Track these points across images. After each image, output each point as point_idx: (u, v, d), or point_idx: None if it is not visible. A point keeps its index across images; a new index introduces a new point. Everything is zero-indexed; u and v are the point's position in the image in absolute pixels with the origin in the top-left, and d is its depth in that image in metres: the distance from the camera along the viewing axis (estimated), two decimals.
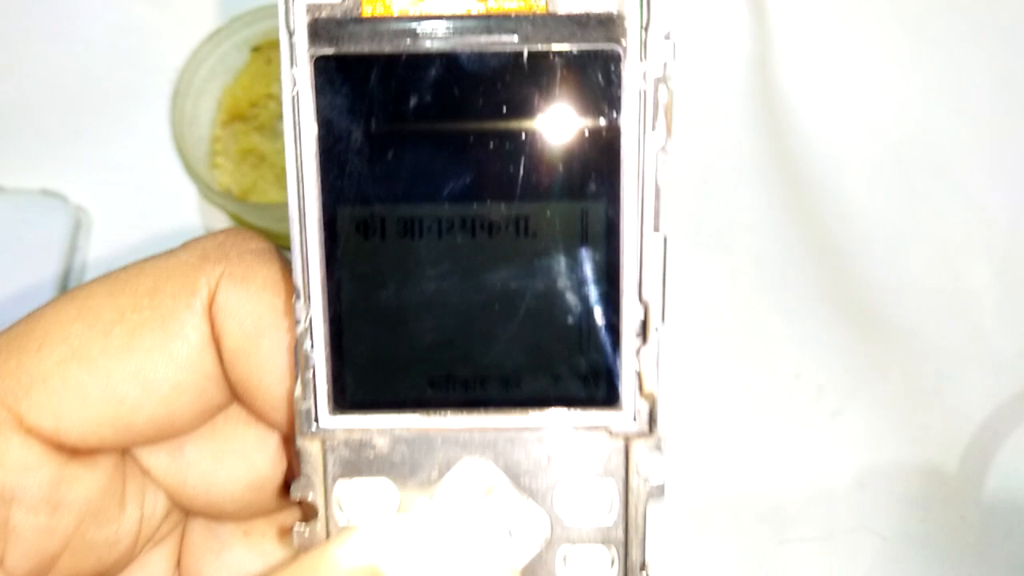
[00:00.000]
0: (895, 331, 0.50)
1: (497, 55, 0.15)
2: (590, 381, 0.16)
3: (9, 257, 0.50)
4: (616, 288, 0.16)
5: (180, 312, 0.17)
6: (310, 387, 0.16)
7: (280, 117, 0.52)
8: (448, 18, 0.14)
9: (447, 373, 0.16)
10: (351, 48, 0.15)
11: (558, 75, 0.15)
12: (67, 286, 0.50)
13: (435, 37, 0.15)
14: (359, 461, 0.16)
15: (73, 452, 0.17)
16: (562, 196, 0.15)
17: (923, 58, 0.53)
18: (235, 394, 0.18)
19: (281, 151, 0.51)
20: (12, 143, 0.54)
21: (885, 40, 0.54)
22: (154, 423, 0.17)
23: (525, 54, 0.15)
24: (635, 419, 0.16)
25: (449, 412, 0.16)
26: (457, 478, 0.16)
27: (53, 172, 0.52)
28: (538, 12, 0.15)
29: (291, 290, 0.16)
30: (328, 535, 0.16)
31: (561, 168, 0.15)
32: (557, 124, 0.15)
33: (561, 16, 0.15)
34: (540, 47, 0.15)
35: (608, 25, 0.15)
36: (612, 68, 0.15)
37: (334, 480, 0.16)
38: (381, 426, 0.16)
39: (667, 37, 0.15)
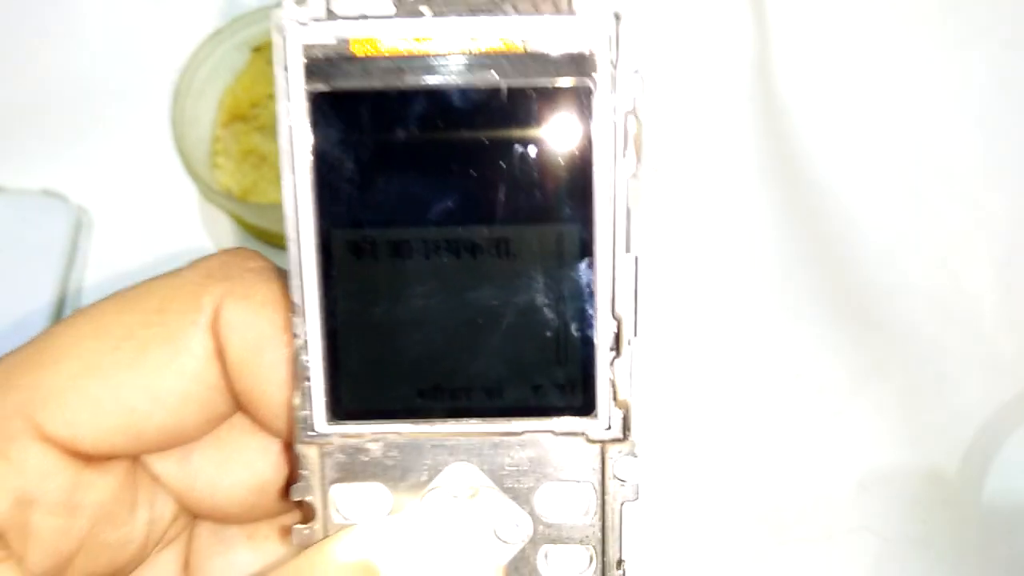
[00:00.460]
0: (896, 332, 0.50)
1: (479, 91, 0.16)
2: (567, 391, 0.18)
3: (10, 257, 0.50)
4: (591, 304, 0.17)
5: (186, 328, 0.18)
6: (308, 397, 0.17)
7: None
8: (433, 56, 0.16)
9: (435, 384, 0.17)
10: (343, 84, 0.16)
11: (535, 109, 0.17)
12: (67, 286, 0.50)
13: (421, 74, 0.16)
14: (354, 466, 0.18)
15: (88, 459, 0.18)
16: (540, 220, 0.17)
17: (924, 60, 0.53)
18: (239, 404, 0.19)
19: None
20: (13, 143, 0.54)
21: (885, 41, 0.54)
22: (163, 432, 0.18)
23: (505, 90, 0.16)
24: (610, 426, 0.17)
25: (437, 420, 0.17)
26: (445, 482, 0.18)
27: (54, 172, 0.52)
28: (516, 51, 0.16)
29: (290, 306, 0.18)
30: (326, 534, 0.18)
31: (539, 194, 0.17)
32: (535, 154, 0.17)
33: (538, 54, 0.16)
34: (518, 83, 0.16)
35: (580, 63, 0.16)
36: (584, 102, 0.16)
37: (331, 483, 0.18)
38: (374, 433, 0.17)
39: (636, 72, 0.16)
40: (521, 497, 0.18)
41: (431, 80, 0.16)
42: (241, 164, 0.50)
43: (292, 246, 0.17)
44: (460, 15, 0.16)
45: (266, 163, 0.50)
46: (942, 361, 0.49)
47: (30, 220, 0.51)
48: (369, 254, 0.17)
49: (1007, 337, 0.49)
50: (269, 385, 0.18)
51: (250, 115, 0.50)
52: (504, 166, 0.17)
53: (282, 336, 0.18)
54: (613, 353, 0.17)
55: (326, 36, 0.16)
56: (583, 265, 0.17)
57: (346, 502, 0.18)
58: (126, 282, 0.56)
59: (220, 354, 0.18)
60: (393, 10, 0.16)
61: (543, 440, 0.18)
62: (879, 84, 0.53)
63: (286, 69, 0.17)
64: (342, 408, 0.18)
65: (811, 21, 0.54)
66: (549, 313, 0.17)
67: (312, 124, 0.17)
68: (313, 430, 0.17)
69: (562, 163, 0.17)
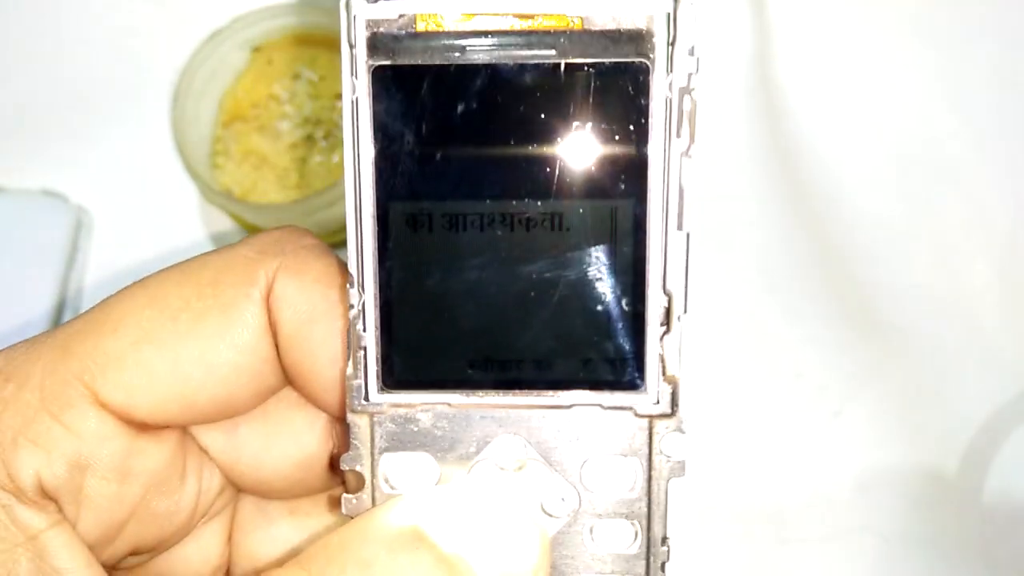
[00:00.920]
0: (896, 331, 0.50)
1: (536, 67, 0.17)
2: (617, 365, 0.18)
3: (10, 257, 0.50)
4: (642, 280, 0.18)
5: (240, 301, 0.18)
6: (361, 367, 0.18)
7: (281, 118, 0.52)
8: (493, 34, 0.16)
9: (486, 356, 0.18)
10: (406, 59, 0.16)
11: (592, 86, 0.17)
12: (68, 286, 0.50)
13: (481, 51, 0.17)
14: (403, 436, 0.18)
15: (141, 427, 0.19)
16: (593, 195, 0.17)
17: (924, 58, 0.53)
18: (288, 378, 0.20)
19: (280, 152, 0.51)
20: (13, 143, 0.54)
21: (886, 39, 0.54)
22: (215, 402, 0.19)
23: (562, 67, 0.17)
24: (658, 401, 0.18)
25: (486, 392, 0.18)
26: (492, 454, 0.18)
27: (54, 172, 0.53)
28: (574, 29, 0.17)
29: (341, 282, 0.18)
30: (374, 503, 0.18)
31: (593, 170, 0.17)
32: (590, 130, 0.17)
33: (595, 32, 0.16)
34: (575, 60, 0.17)
35: (638, 41, 0.17)
36: (641, 79, 0.17)
37: (380, 453, 0.18)
38: (424, 403, 0.18)
39: (691, 52, 0.17)
40: (568, 471, 0.18)
41: (491, 56, 0.16)
42: (241, 164, 0.50)
43: (351, 218, 0.17)
44: None
45: (266, 163, 0.50)
46: (942, 361, 0.49)
47: (30, 220, 0.51)
48: (425, 227, 0.17)
49: (1007, 337, 0.49)
50: (319, 358, 0.19)
51: (250, 115, 0.51)
52: (559, 142, 0.17)
53: (334, 310, 0.18)
54: (663, 328, 0.18)
55: (390, 13, 0.16)
56: (635, 241, 0.17)
57: (394, 472, 0.18)
58: (126, 282, 0.56)
59: (272, 327, 0.19)
60: None
61: (591, 414, 0.18)
62: (879, 83, 0.53)
63: (352, 45, 0.16)
64: (394, 378, 0.18)
65: (811, 19, 0.54)
66: (600, 288, 0.17)
67: (374, 98, 0.17)
68: (365, 399, 0.18)
69: (617, 140, 0.17)
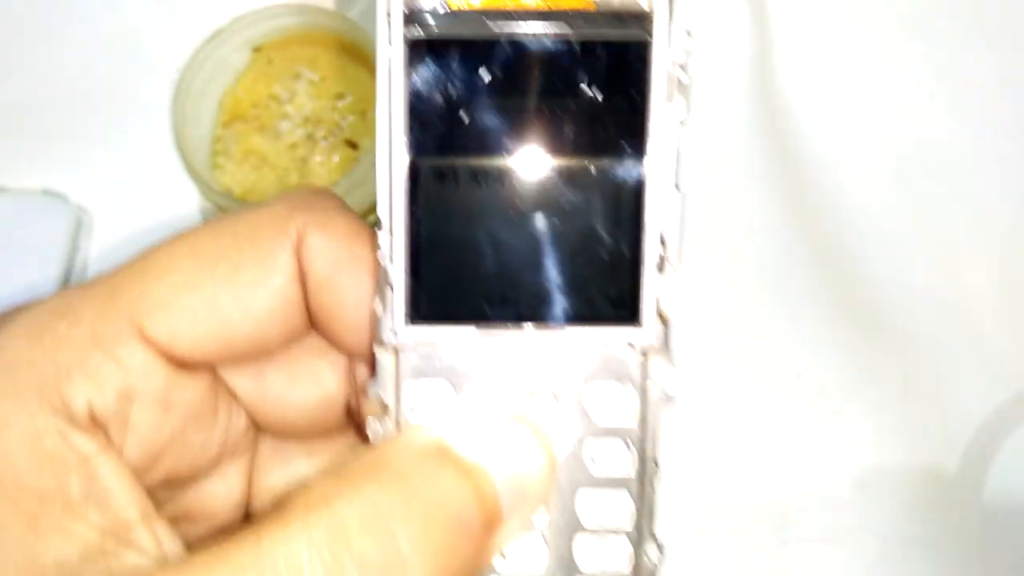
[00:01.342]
0: (896, 331, 0.50)
1: (553, 41, 0.19)
2: (617, 303, 0.20)
3: (10, 257, 0.50)
4: (640, 230, 0.20)
5: (274, 251, 0.21)
6: (388, 303, 0.20)
7: (281, 118, 0.52)
8: (516, 11, 0.19)
9: (501, 294, 0.20)
10: (437, 32, 0.19)
11: (601, 58, 0.19)
12: (68, 286, 0.50)
13: (505, 26, 0.19)
14: (424, 365, 0.20)
15: (181, 364, 0.20)
16: (601, 154, 0.20)
17: (925, 59, 0.53)
18: (315, 322, 0.22)
19: (280, 152, 0.51)
20: (13, 143, 0.54)
21: (887, 41, 0.54)
22: (248, 342, 0.21)
23: (576, 41, 0.19)
24: (652, 336, 0.20)
25: (501, 326, 0.20)
26: (505, 382, 0.20)
27: (54, 172, 0.52)
28: (588, 8, 0.19)
29: (363, 237, 0.21)
30: (397, 427, 0.20)
31: (601, 132, 0.20)
32: (599, 96, 0.20)
33: (605, 12, 0.19)
34: (588, 36, 0.19)
35: (642, 20, 0.19)
36: (643, 54, 0.19)
37: (403, 381, 0.20)
38: (444, 337, 0.20)
39: (687, 32, 0.19)
40: (572, 397, 0.20)
41: (513, 31, 0.19)
42: (241, 164, 0.50)
43: (383, 172, 0.19)
44: None
45: (267, 163, 0.50)
46: (942, 361, 0.49)
47: (30, 220, 0.51)
48: (449, 180, 0.20)
49: (1007, 337, 0.49)
50: (345, 303, 0.21)
51: (251, 115, 0.50)
52: (572, 107, 0.19)
53: (358, 261, 0.20)
54: (658, 272, 0.20)
55: None
56: (636, 195, 0.20)
57: (416, 398, 0.20)
58: None
59: (302, 276, 0.21)
60: None
61: (595, 347, 0.20)
62: (879, 83, 0.53)
63: (389, 15, 0.19)
64: (418, 312, 0.20)
65: (811, 20, 0.54)
66: (604, 236, 0.20)
67: (407, 66, 0.19)
68: (391, 332, 0.20)
69: (622, 106, 0.19)
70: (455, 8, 0.19)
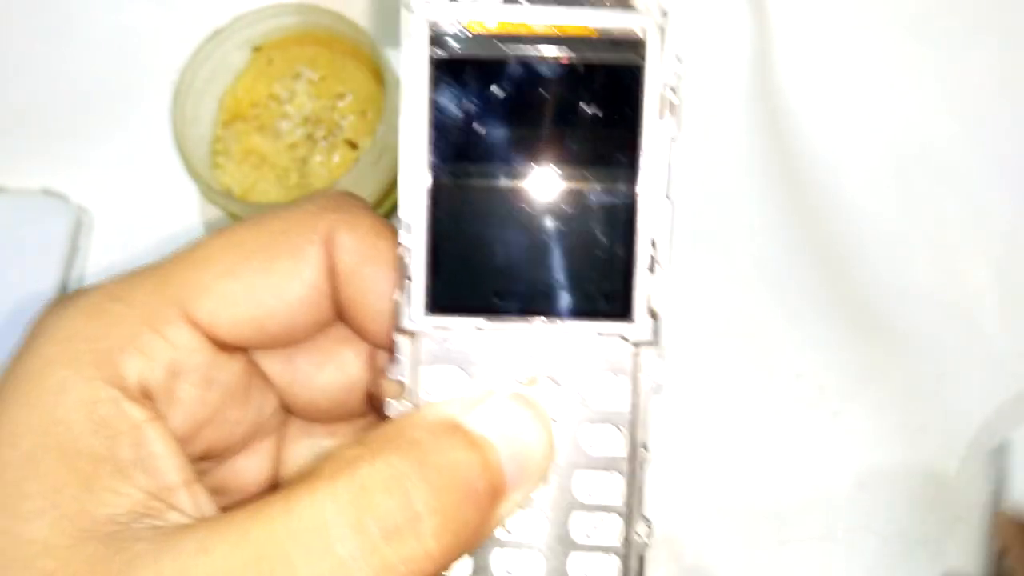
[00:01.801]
0: (896, 331, 0.50)
1: (559, 63, 0.21)
2: (612, 299, 0.22)
3: (10, 257, 0.50)
4: (634, 235, 0.22)
5: (306, 245, 0.23)
6: (408, 294, 0.22)
7: (281, 117, 0.52)
8: (526, 36, 0.21)
9: (509, 289, 0.22)
10: (457, 53, 0.21)
11: (600, 80, 0.22)
12: (68, 286, 0.50)
13: (517, 49, 0.21)
14: (440, 352, 0.22)
15: (222, 346, 0.23)
16: (599, 165, 0.22)
17: (924, 59, 0.53)
18: (342, 312, 0.24)
19: (280, 152, 0.51)
20: (13, 143, 0.54)
21: (886, 41, 0.54)
22: (281, 328, 0.23)
23: (578, 64, 0.22)
24: (644, 330, 0.22)
25: (508, 318, 0.22)
26: (511, 368, 0.22)
27: (54, 172, 0.53)
28: (589, 35, 0.21)
29: (386, 235, 0.23)
30: (414, 406, 0.22)
31: (600, 145, 0.22)
32: (598, 114, 0.22)
33: (604, 38, 0.21)
34: (589, 59, 0.22)
35: (636, 46, 0.21)
36: (637, 76, 0.22)
37: (419, 366, 0.22)
38: (458, 326, 0.22)
39: (677, 57, 0.22)
40: (570, 384, 0.22)
41: (524, 53, 0.21)
42: (241, 164, 0.50)
43: (405, 178, 0.22)
44: (549, 5, 0.21)
45: (267, 163, 0.50)
46: (942, 360, 0.49)
47: (30, 220, 0.51)
48: (465, 186, 0.22)
49: (1006, 337, 0.49)
50: (370, 294, 0.23)
51: (251, 115, 0.50)
52: (574, 122, 0.22)
53: (382, 257, 0.23)
54: (649, 272, 0.22)
55: (447, 15, 0.21)
56: (630, 203, 0.22)
57: (431, 381, 0.22)
58: None
59: (331, 269, 0.23)
60: None
61: (591, 339, 0.22)
62: (879, 84, 0.53)
63: (414, 41, 0.21)
64: (435, 303, 0.22)
65: (811, 21, 0.54)
66: (601, 239, 0.22)
67: (430, 82, 0.21)
68: (410, 321, 0.22)
69: (618, 122, 0.22)
70: (474, 32, 0.21)
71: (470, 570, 0.23)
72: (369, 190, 0.49)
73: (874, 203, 0.51)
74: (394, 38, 0.56)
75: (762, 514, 0.46)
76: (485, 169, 0.22)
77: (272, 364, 0.25)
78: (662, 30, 0.21)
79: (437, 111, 0.21)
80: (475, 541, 0.20)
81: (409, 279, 0.22)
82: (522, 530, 0.22)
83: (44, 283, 0.49)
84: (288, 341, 0.24)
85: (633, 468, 0.22)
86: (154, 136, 0.49)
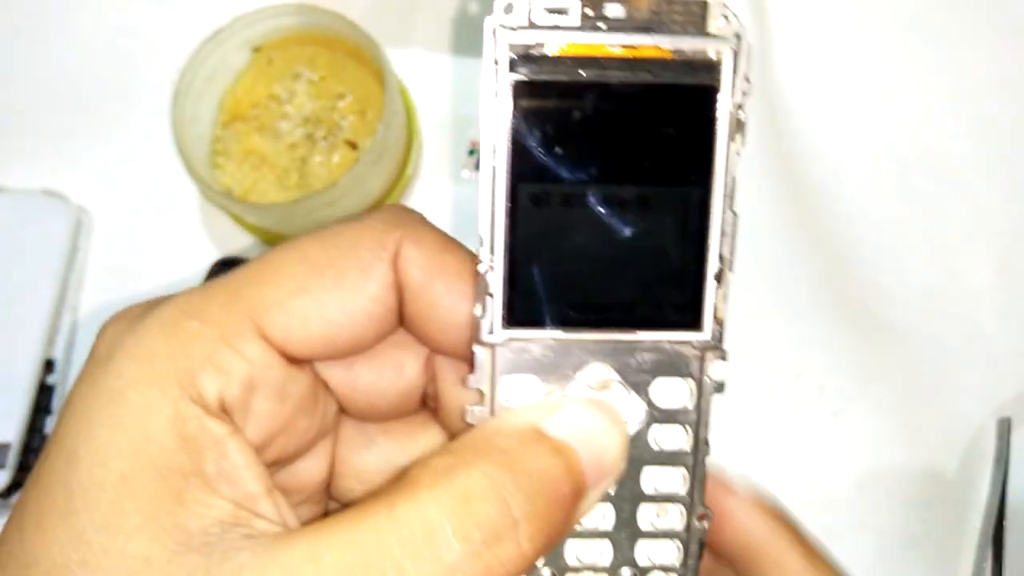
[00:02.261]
0: (896, 332, 0.50)
1: (636, 85, 0.22)
2: (683, 310, 0.23)
3: (10, 257, 0.50)
4: (704, 248, 0.23)
5: (374, 262, 0.23)
6: (488, 309, 0.23)
7: (281, 118, 0.51)
8: (604, 59, 0.22)
9: (584, 301, 0.23)
10: (537, 76, 0.22)
11: (675, 101, 0.22)
12: (67, 286, 0.50)
13: (596, 72, 0.22)
14: (517, 362, 0.23)
15: (293, 360, 0.23)
16: (673, 182, 0.23)
17: (924, 58, 0.53)
18: (409, 323, 0.25)
19: (280, 152, 0.51)
20: (13, 143, 0.54)
21: (887, 41, 0.54)
22: (350, 341, 0.24)
23: (655, 86, 0.22)
24: (711, 337, 0.23)
25: (584, 329, 0.23)
26: (584, 376, 0.23)
27: (54, 172, 0.53)
28: (667, 58, 0.22)
29: (450, 249, 0.24)
30: (492, 414, 0.23)
31: (674, 163, 0.23)
32: (673, 133, 0.23)
33: (682, 61, 0.22)
34: (666, 81, 0.22)
35: (711, 68, 0.22)
36: (712, 98, 0.22)
37: (499, 375, 0.23)
38: (535, 337, 0.23)
39: (747, 79, 0.23)
40: (640, 389, 0.24)
41: (603, 76, 0.22)
42: (241, 164, 0.50)
43: (485, 197, 0.22)
44: (627, 31, 0.22)
45: (266, 163, 0.50)
46: (942, 360, 0.49)
47: (30, 220, 0.51)
48: (544, 203, 0.23)
49: (1006, 336, 0.49)
50: (439, 308, 0.24)
51: (250, 115, 0.50)
52: (651, 141, 0.23)
53: (448, 270, 0.24)
54: (717, 283, 0.23)
55: (527, 39, 0.22)
56: (702, 218, 0.23)
57: (509, 389, 0.23)
58: (126, 282, 0.56)
59: (398, 284, 0.24)
60: (579, 23, 0.22)
61: (661, 347, 0.24)
62: (879, 83, 0.53)
63: (496, 62, 0.22)
64: (513, 317, 0.23)
65: (811, 20, 0.54)
66: (671, 253, 0.23)
67: (512, 103, 0.22)
68: (491, 332, 0.23)
69: (692, 142, 0.23)
70: (553, 56, 0.22)
71: (543, 559, 0.24)
72: (369, 190, 0.49)
73: (874, 203, 0.51)
74: (394, 39, 0.56)
75: None
76: (562, 188, 0.23)
77: (333, 372, 0.25)
78: (735, 53, 0.22)
79: (515, 132, 0.22)
80: (560, 539, 0.22)
81: (490, 295, 0.23)
82: (593, 521, 0.24)
83: (44, 283, 0.49)
84: (353, 352, 0.25)
85: (696, 461, 0.24)
86: (154, 136, 0.49)
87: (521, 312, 0.23)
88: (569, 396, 0.23)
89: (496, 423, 0.22)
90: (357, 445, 0.27)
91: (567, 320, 0.23)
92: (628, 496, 0.24)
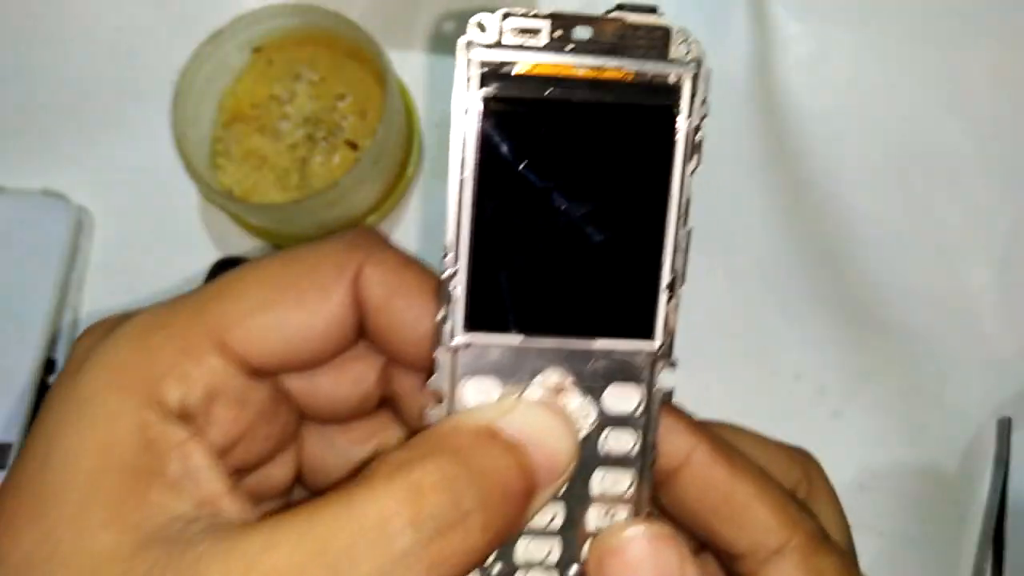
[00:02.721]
0: (896, 332, 0.50)
1: (598, 104, 0.23)
2: (636, 320, 0.24)
3: (10, 257, 0.50)
4: (658, 260, 0.24)
5: (334, 282, 0.25)
6: (450, 314, 0.24)
7: (281, 118, 0.51)
8: (570, 79, 0.23)
9: (542, 308, 0.24)
10: (505, 93, 0.23)
11: (636, 121, 0.24)
12: (68, 286, 0.50)
13: (560, 90, 0.23)
14: (476, 365, 0.24)
15: (253, 372, 0.25)
16: (631, 198, 0.24)
17: (923, 59, 0.53)
18: (373, 337, 0.26)
19: (281, 152, 0.51)
20: (14, 143, 0.54)
21: (887, 41, 0.54)
22: (309, 356, 0.25)
23: (616, 106, 0.23)
24: (660, 346, 0.25)
25: (541, 335, 0.24)
26: (541, 380, 0.24)
27: (55, 172, 0.53)
28: (628, 80, 0.23)
29: (410, 268, 0.25)
30: (451, 412, 0.24)
31: (633, 179, 0.24)
32: (632, 151, 0.24)
33: (641, 84, 0.23)
34: (626, 101, 0.23)
35: (670, 91, 0.23)
36: (670, 119, 0.24)
37: (458, 378, 0.24)
38: (494, 342, 0.24)
39: (704, 101, 0.24)
40: (593, 393, 0.25)
41: (567, 95, 0.23)
42: (242, 165, 0.50)
43: (452, 206, 0.23)
44: (593, 53, 0.23)
45: (267, 164, 0.50)
46: (942, 360, 0.49)
47: (30, 220, 0.51)
48: (508, 214, 0.24)
49: (1006, 336, 0.49)
50: (401, 324, 0.25)
51: (251, 115, 0.50)
52: (611, 159, 0.24)
53: (408, 288, 0.25)
54: (668, 294, 0.24)
55: (497, 58, 0.23)
56: (656, 232, 0.24)
57: (468, 392, 0.24)
58: (126, 282, 0.56)
59: (356, 302, 0.25)
60: (547, 44, 0.23)
61: (614, 354, 0.25)
62: (879, 83, 0.53)
63: (468, 79, 0.23)
64: (474, 321, 0.24)
65: (811, 20, 0.54)
66: (627, 263, 0.24)
67: (480, 118, 0.23)
68: (451, 338, 0.24)
69: (650, 161, 0.24)
70: (519, 73, 0.23)
71: (495, 555, 0.25)
72: (369, 190, 0.49)
73: (874, 203, 0.51)
74: (394, 39, 0.56)
75: None
76: (525, 200, 0.24)
77: (294, 382, 0.27)
78: (694, 78, 0.24)
79: (482, 145, 0.23)
80: (511, 534, 0.23)
81: (451, 299, 0.24)
82: (543, 519, 0.25)
83: (44, 283, 0.49)
84: (312, 366, 0.26)
85: (643, 465, 0.25)
86: (154, 136, 0.49)
87: (482, 317, 0.24)
88: (523, 398, 0.24)
89: (452, 421, 0.23)
90: (318, 444, 0.28)
91: (526, 326, 0.24)
92: (578, 496, 0.25)
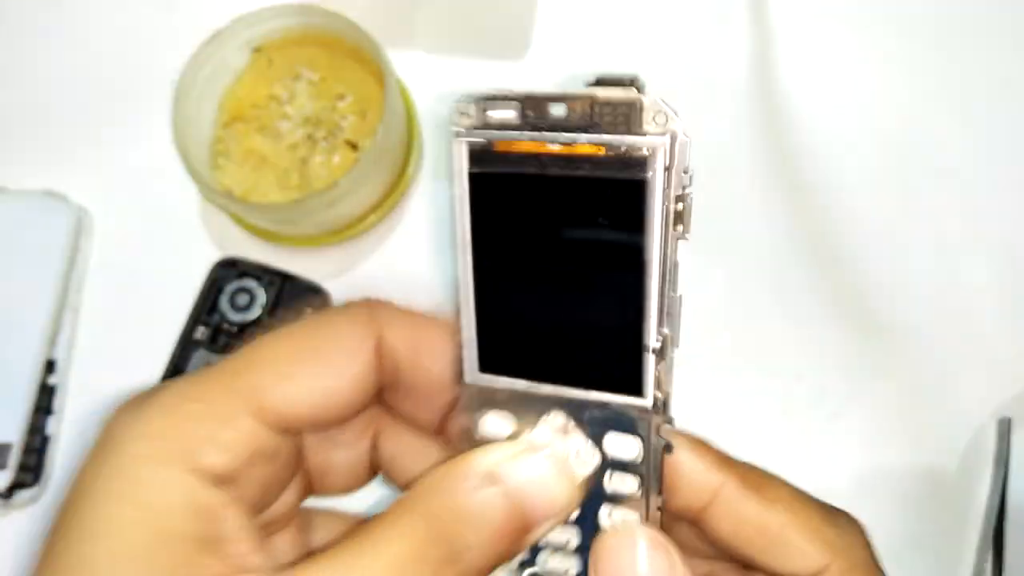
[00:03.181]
0: (896, 332, 0.50)
1: (573, 178, 0.25)
2: (628, 379, 0.26)
3: (11, 258, 0.50)
4: (645, 326, 0.25)
5: (359, 346, 0.27)
6: (466, 360, 0.27)
7: (281, 118, 0.51)
8: (546, 155, 0.25)
9: (547, 361, 0.26)
10: (489, 168, 0.25)
11: (613, 192, 0.24)
12: (67, 286, 0.50)
13: (538, 166, 0.25)
14: (491, 402, 0.27)
15: (282, 430, 0.27)
16: (615, 265, 0.25)
17: (923, 58, 0.53)
18: (394, 396, 0.29)
19: (281, 152, 0.51)
20: (14, 144, 0.54)
21: (887, 41, 0.54)
22: (333, 418, 0.27)
23: (591, 179, 0.24)
24: (654, 405, 0.26)
25: (545, 383, 0.27)
26: (547, 422, 0.27)
27: (55, 173, 0.53)
28: (601, 154, 0.24)
29: (429, 328, 0.28)
30: (472, 445, 0.26)
31: (614, 248, 0.25)
32: (611, 222, 0.25)
33: (616, 157, 0.24)
34: (601, 175, 0.24)
35: (642, 163, 0.24)
36: (643, 189, 0.24)
37: (476, 410, 0.27)
38: (504, 385, 0.27)
39: (685, 171, 0.24)
40: (595, 439, 0.26)
41: (543, 169, 0.25)
42: (242, 165, 0.50)
43: (460, 268, 0.26)
44: (566, 130, 0.24)
45: (267, 164, 0.50)
46: (942, 361, 0.49)
47: (31, 220, 0.51)
48: (505, 276, 0.26)
49: (1006, 336, 0.49)
50: (421, 379, 0.28)
51: (251, 116, 0.51)
52: (588, 229, 0.25)
53: (429, 347, 0.28)
54: (660, 358, 0.25)
55: (481, 138, 0.25)
56: (642, 299, 0.25)
57: (485, 424, 0.27)
58: (126, 282, 0.56)
59: (383, 365, 0.27)
60: (519, 122, 0.25)
61: (612, 406, 0.26)
62: (879, 83, 0.53)
63: (459, 159, 0.25)
64: (485, 366, 0.27)
65: (811, 20, 0.54)
66: (620, 326, 0.25)
67: (471, 191, 0.25)
68: (469, 376, 0.27)
69: (626, 230, 0.25)
70: (500, 151, 0.25)
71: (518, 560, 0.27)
72: (369, 190, 0.49)
73: (874, 203, 0.51)
74: (394, 39, 0.56)
75: None
76: (515, 264, 0.26)
77: (310, 439, 0.29)
78: (668, 149, 0.24)
79: (474, 218, 0.26)
80: (507, 561, 0.25)
81: (465, 346, 0.27)
82: (561, 538, 0.27)
83: (44, 283, 0.49)
84: (338, 424, 0.28)
85: (647, 505, 0.27)
86: (154, 136, 0.49)
87: (492, 362, 0.27)
88: (529, 440, 0.26)
89: (456, 465, 0.25)
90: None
91: (528, 373, 0.27)
92: (589, 523, 0.27)
